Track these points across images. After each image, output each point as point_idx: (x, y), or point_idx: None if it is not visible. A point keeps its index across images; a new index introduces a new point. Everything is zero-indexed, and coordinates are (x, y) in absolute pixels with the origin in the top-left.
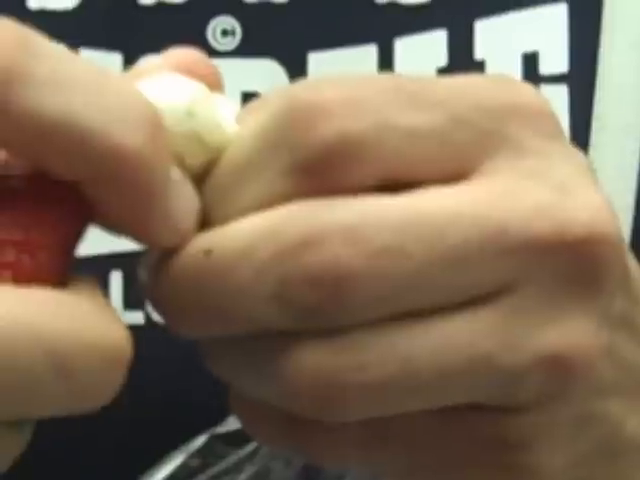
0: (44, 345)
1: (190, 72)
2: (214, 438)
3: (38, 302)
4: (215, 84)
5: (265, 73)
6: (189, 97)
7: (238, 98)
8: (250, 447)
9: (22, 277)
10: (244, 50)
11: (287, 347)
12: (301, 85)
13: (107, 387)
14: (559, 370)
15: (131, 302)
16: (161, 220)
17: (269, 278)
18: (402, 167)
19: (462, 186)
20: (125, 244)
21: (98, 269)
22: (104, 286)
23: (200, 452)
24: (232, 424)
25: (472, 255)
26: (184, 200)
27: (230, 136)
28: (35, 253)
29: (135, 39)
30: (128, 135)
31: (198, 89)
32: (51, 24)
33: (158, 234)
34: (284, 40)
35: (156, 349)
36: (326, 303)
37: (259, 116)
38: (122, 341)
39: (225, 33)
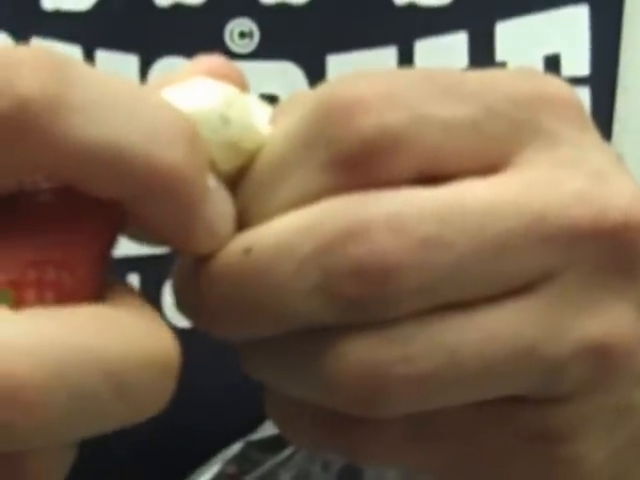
0: (104, 367)
1: (219, 77)
2: (250, 445)
3: (90, 324)
4: (242, 88)
5: (283, 75)
6: (223, 103)
7: None
8: (286, 452)
9: (65, 296)
10: (262, 52)
11: (331, 342)
12: (337, 81)
13: (162, 396)
14: (601, 359)
15: None
16: (201, 229)
17: (312, 271)
18: (439, 159)
19: (499, 177)
20: (141, 247)
21: (114, 272)
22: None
23: (236, 459)
24: (267, 430)
25: (512, 244)
26: (221, 206)
27: (264, 137)
28: (75, 269)
29: (152, 41)
30: (168, 152)
31: (231, 93)
32: (66, 25)
33: (198, 242)
34: (302, 42)
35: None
36: (372, 294)
37: (293, 114)
38: (172, 348)
39: (243, 35)
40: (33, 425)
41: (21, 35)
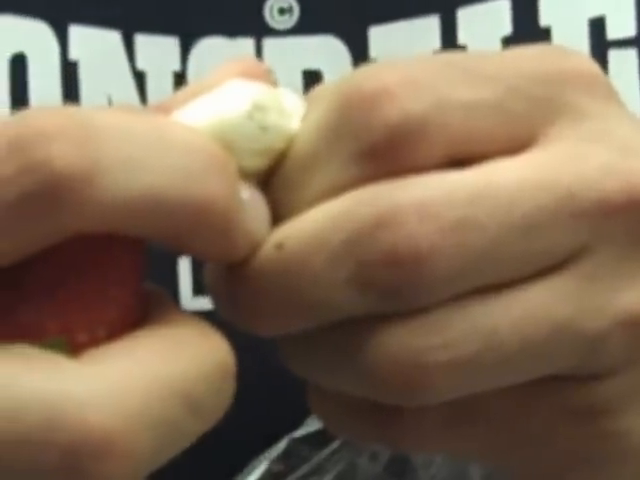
0: (179, 391)
1: (251, 77)
2: (295, 441)
3: (154, 352)
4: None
5: (326, 50)
6: (258, 109)
7: (299, 77)
8: (333, 446)
9: (114, 328)
10: (303, 28)
11: (368, 332)
12: (358, 72)
13: (226, 402)
14: (639, 330)
15: (200, 288)
16: (239, 241)
17: (345, 262)
18: (465, 142)
19: (526, 155)
20: None
21: (166, 256)
22: (172, 273)
23: (283, 456)
24: (311, 426)
25: (544, 221)
26: (257, 211)
27: (294, 133)
28: (119, 300)
29: (191, 22)
30: (202, 188)
31: (265, 95)
32: (104, 11)
33: (237, 253)
34: (343, 15)
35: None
36: (405, 282)
37: (319, 107)
38: (228, 352)
39: (282, 11)
40: (124, 471)
41: (59, 23)
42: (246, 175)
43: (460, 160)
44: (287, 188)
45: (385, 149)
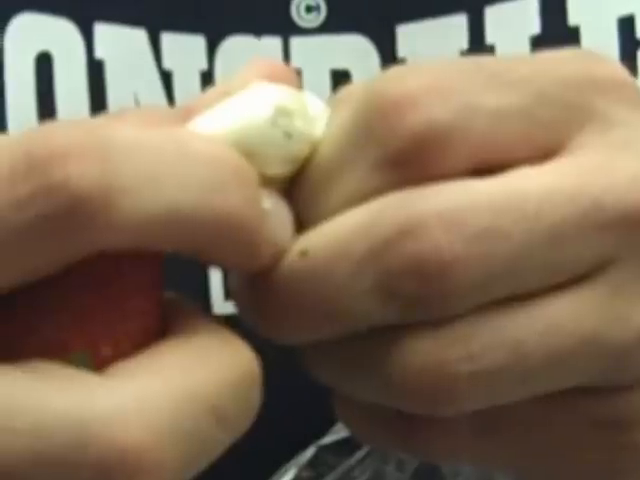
0: (207, 403)
1: (275, 80)
2: (323, 448)
3: (181, 365)
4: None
5: (353, 49)
6: (284, 114)
7: (327, 76)
8: (360, 453)
9: (137, 340)
10: (330, 26)
11: (393, 342)
12: (383, 77)
13: (253, 411)
14: None
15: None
16: (263, 250)
17: (369, 271)
18: (491, 149)
19: (553, 163)
20: None
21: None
22: (203, 277)
23: (311, 464)
24: (339, 432)
25: (570, 232)
26: (280, 218)
27: (318, 138)
28: (142, 312)
29: (217, 20)
30: (225, 200)
31: (290, 99)
32: (130, 9)
33: (261, 262)
34: (370, 13)
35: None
36: (430, 291)
37: (343, 113)
38: (253, 360)
39: (309, 9)
40: None
41: (84, 22)
42: (269, 182)
43: (487, 167)
44: (311, 195)
45: (409, 157)
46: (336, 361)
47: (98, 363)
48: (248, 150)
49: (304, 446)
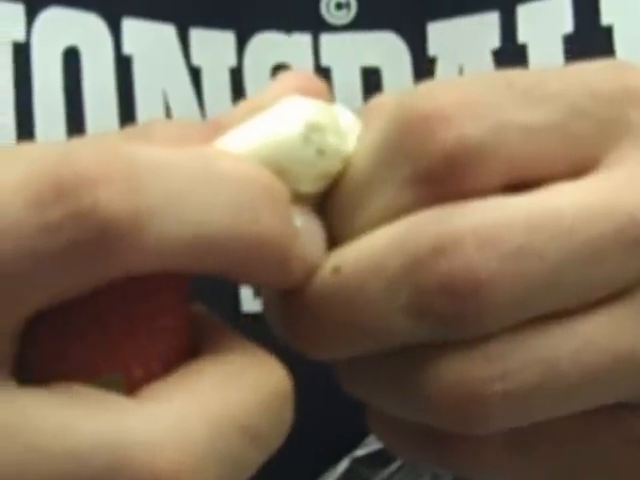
0: (240, 424)
1: (306, 93)
2: (357, 461)
3: (215, 386)
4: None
5: (384, 46)
6: (316, 130)
7: (358, 74)
8: (394, 466)
9: (168, 360)
10: (360, 23)
11: (425, 361)
12: (414, 93)
13: (286, 427)
14: None
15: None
16: (295, 268)
17: (402, 289)
18: (525, 166)
19: (588, 179)
20: None
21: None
22: None
23: (345, 476)
24: (372, 444)
25: (605, 249)
26: (312, 235)
27: (350, 152)
28: (171, 332)
29: (247, 16)
30: (256, 221)
31: (322, 114)
32: (159, 4)
33: (293, 279)
34: (401, 11)
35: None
36: (464, 310)
37: (374, 128)
38: (285, 376)
39: (339, 6)
40: None
41: (112, 17)
42: (301, 198)
43: (519, 182)
44: (343, 211)
45: (442, 174)
46: (369, 377)
47: (129, 385)
48: (280, 167)
49: (338, 459)
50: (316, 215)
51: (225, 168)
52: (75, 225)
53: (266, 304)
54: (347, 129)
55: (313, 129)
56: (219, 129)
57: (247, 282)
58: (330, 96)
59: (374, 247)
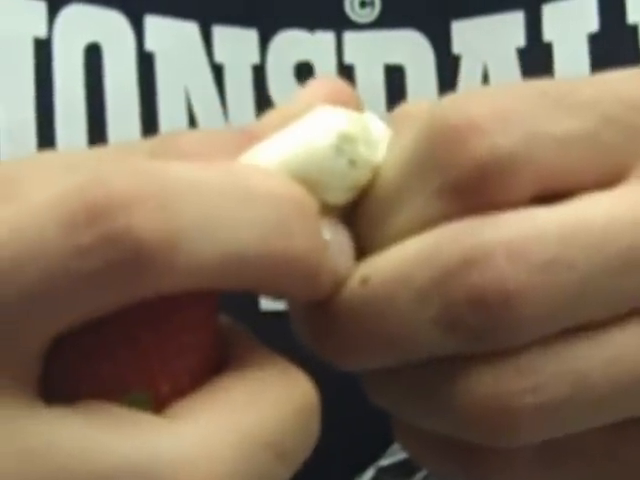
0: (268, 441)
1: (336, 102)
2: (382, 470)
3: (245, 403)
4: (358, 109)
5: (408, 44)
6: (347, 140)
7: (381, 72)
8: (419, 475)
9: (195, 375)
10: (384, 21)
11: (456, 373)
12: (446, 102)
13: (313, 441)
14: None
15: None
16: (323, 282)
17: (431, 301)
18: (557, 177)
19: (620, 189)
20: None
21: None
22: None
23: None
24: (397, 454)
25: (635, 260)
26: (341, 249)
27: (380, 161)
28: (198, 348)
29: (270, 14)
30: (287, 237)
31: (353, 124)
32: (181, 2)
33: (322, 292)
34: (425, 9)
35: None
36: (494, 324)
37: (404, 138)
38: (311, 390)
39: (363, 4)
40: None
41: (134, 14)
42: (330, 209)
43: (549, 192)
44: (372, 221)
45: (472, 185)
46: (396, 389)
47: (157, 401)
48: (310, 179)
49: (362, 467)
50: (344, 226)
51: (255, 185)
52: (108, 248)
53: (293, 314)
54: (378, 138)
55: (345, 140)
56: (249, 138)
57: (276, 296)
58: (359, 102)
59: (403, 258)
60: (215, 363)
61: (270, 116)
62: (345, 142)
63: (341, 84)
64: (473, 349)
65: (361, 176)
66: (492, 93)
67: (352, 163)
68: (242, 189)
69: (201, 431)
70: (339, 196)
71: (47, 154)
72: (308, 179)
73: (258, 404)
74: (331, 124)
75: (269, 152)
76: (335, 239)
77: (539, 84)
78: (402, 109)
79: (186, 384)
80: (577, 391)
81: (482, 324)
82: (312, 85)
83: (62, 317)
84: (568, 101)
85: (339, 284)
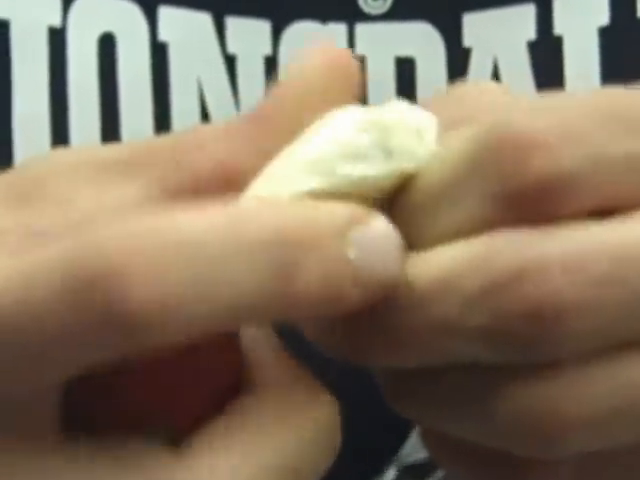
0: (290, 469)
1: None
2: (405, 470)
3: (266, 426)
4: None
5: (419, 37)
6: (385, 135)
7: (392, 63)
8: (440, 473)
9: (220, 399)
10: (396, 13)
11: (499, 382)
12: (514, 113)
13: (330, 459)
14: None
15: None
16: (353, 297)
17: (479, 310)
18: (617, 196)
19: None
20: None
21: None
22: None
23: None
24: (419, 453)
25: None
26: (381, 257)
27: (426, 155)
28: (224, 373)
29: (283, 5)
30: (295, 276)
31: (379, 114)
32: None
33: (354, 304)
34: (437, 1)
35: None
36: (546, 337)
37: (463, 138)
38: (333, 407)
39: None
40: None
41: (148, 4)
42: (371, 202)
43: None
44: (415, 218)
45: (532, 197)
46: (430, 397)
47: (178, 429)
48: (347, 177)
49: (381, 463)
50: (389, 224)
51: (257, 231)
52: (104, 319)
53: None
54: (419, 127)
55: (374, 128)
56: (264, 124)
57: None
58: (357, 70)
59: (449, 262)
60: (238, 384)
61: (278, 94)
62: (375, 131)
63: (342, 50)
64: (519, 360)
65: (399, 166)
66: (560, 107)
67: (388, 153)
68: (242, 240)
69: (216, 463)
70: (378, 191)
71: (64, 154)
72: (344, 177)
73: (279, 429)
74: (355, 116)
75: (286, 166)
76: (371, 247)
77: (608, 101)
78: (459, 89)
79: (207, 408)
80: (625, 405)
81: (534, 337)
82: (312, 51)
83: (66, 368)
84: (636, 123)
85: (386, 287)
